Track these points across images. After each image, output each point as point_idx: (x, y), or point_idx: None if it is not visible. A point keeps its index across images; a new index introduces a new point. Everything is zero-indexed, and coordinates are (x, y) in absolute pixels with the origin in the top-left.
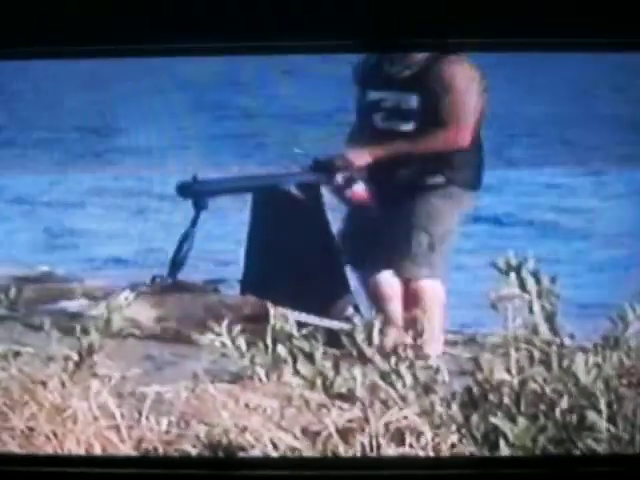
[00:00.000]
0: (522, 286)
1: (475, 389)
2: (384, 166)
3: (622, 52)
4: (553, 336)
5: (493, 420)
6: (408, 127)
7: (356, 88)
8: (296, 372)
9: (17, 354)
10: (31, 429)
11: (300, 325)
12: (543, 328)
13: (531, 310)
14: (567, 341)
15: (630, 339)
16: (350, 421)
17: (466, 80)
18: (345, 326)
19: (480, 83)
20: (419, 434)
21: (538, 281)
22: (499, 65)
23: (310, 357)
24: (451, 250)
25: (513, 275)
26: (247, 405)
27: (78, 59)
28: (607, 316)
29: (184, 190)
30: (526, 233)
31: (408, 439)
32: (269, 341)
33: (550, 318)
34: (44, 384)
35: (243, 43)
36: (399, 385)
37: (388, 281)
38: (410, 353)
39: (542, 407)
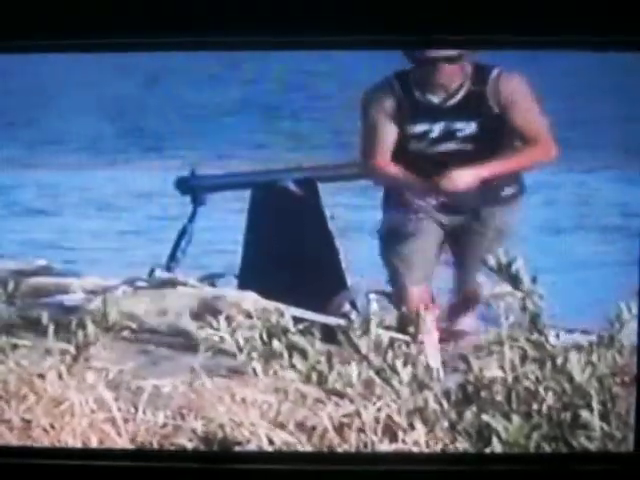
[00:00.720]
0: (514, 284)
1: (469, 386)
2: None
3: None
4: (546, 334)
5: (486, 417)
6: (470, 149)
7: (388, 122)
8: (292, 367)
9: (15, 347)
10: (28, 421)
11: (297, 320)
12: (535, 326)
13: (523, 308)
14: (558, 339)
15: (624, 338)
16: (345, 416)
17: (524, 92)
18: (341, 322)
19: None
20: (413, 430)
21: (528, 279)
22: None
23: (305, 352)
24: None
25: (504, 273)
26: (243, 400)
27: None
28: (602, 315)
29: (182, 185)
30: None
31: (401, 435)
32: (265, 336)
33: (538, 316)
34: (41, 377)
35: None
36: (394, 381)
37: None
38: (406, 349)
39: (535, 405)
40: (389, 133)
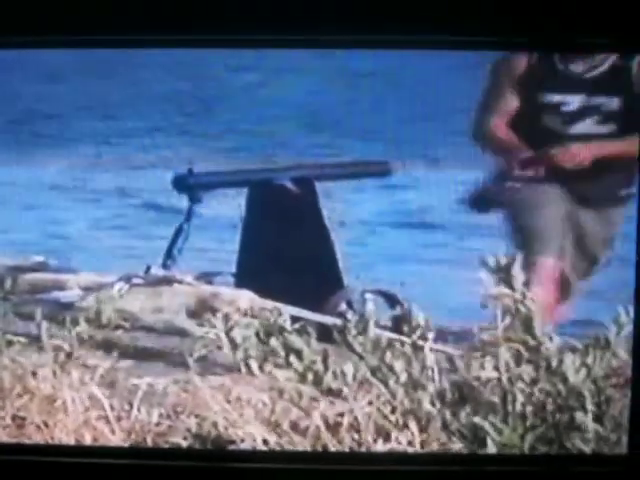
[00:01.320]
0: (511, 286)
1: (464, 387)
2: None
3: None
4: (541, 336)
5: (480, 418)
6: (608, 131)
7: (515, 87)
8: (288, 366)
9: (10, 344)
10: (22, 418)
11: (293, 319)
12: (532, 327)
13: (518, 310)
14: (553, 341)
15: (619, 341)
16: (340, 415)
17: None
18: (338, 321)
19: None
20: (407, 430)
21: (523, 281)
22: None
23: (301, 352)
24: None
25: (502, 274)
26: (238, 398)
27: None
28: (600, 318)
29: (179, 183)
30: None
31: (396, 435)
32: (262, 335)
33: (531, 320)
34: (35, 374)
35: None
36: (390, 381)
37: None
38: (407, 349)
39: (530, 406)
40: (513, 99)
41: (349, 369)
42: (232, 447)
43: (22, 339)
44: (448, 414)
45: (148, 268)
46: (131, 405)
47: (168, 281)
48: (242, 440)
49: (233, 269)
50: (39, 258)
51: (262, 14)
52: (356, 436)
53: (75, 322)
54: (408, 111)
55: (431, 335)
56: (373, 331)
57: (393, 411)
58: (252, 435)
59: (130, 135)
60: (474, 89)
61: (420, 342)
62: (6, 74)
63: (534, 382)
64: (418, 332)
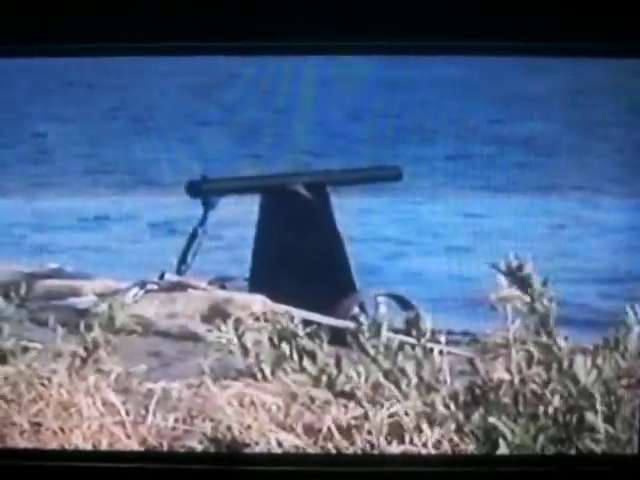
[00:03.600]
0: (522, 287)
1: (476, 388)
2: None
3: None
4: (552, 337)
5: (493, 419)
6: None
7: None
8: (301, 370)
9: (25, 350)
10: (38, 424)
11: (306, 324)
12: (545, 328)
13: (532, 311)
14: (564, 343)
15: (630, 342)
16: (353, 418)
17: None
18: (350, 325)
19: None
20: (420, 432)
21: (536, 283)
22: None
23: (315, 355)
24: None
25: (514, 276)
26: (252, 402)
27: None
28: (609, 319)
29: (193, 189)
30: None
31: (409, 437)
32: (275, 339)
33: (547, 320)
34: (51, 380)
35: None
36: (403, 384)
37: None
38: (419, 352)
39: (542, 407)
40: None
41: (362, 372)
42: (247, 450)
43: (38, 345)
44: (461, 416)
45: (162, 274)
46: (147, 410)
47: (182, 287)
48: (256, 443)
49: (246, 274)
50: (54, 265)
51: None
52: (369, 438)
53: (90, 328)
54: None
55: (443, 338)
56: (385, 334)
57: (406, 413)
58: (267, 438)
59: (143, 142)
60: None
61: (432, 345)
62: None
63: (545, 383)
64: (430, 335)
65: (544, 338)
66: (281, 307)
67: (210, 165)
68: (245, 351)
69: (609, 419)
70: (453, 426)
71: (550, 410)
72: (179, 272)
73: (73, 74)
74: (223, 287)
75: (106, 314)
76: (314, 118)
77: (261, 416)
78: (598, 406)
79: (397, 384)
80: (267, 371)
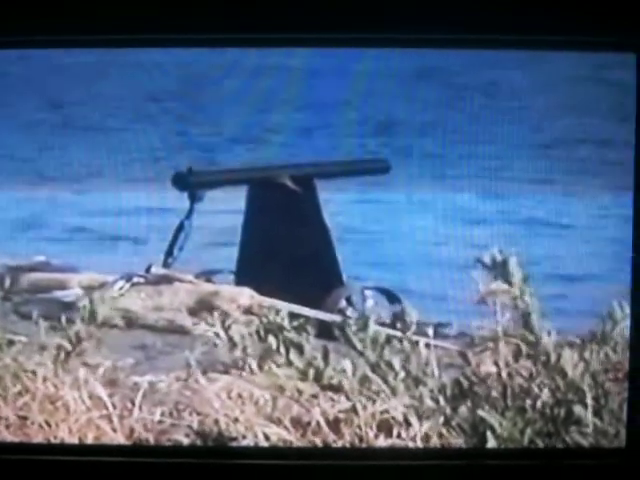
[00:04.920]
0: (508, 281)
1: (464, 382)
2: None
3: None
4: (539, 331)
5: (481, 413)
6: None
7: None
8: (288, 363)
9: (11, 343)
10: (24, 418)
11: (293, 317)
12: (530, 323)
13: (517, 305)
14: (552, 337)
15: (617, 335)
16: (341, 412)
17: None
18: (338, 318)
19: None
20: (409, 425)
21: (521, 277)
22: None
23: (301, 348)
24: None
25: (499, 271)
26: (239, 395)
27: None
28: (595, 313)
29: (179, 182)
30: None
31: (397, 430)
32: (262, 332)
33: (531, 314)
34: (36, 373)
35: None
36: (390, 377)
37: None
38: (407, 345)
39: (529, 400)
40: None
41: (349, 365)
42: (234, 444)
43: (23, 338)
44: (449, 409)
45: (149, 267)
46: (133, 403)
47: (169, 280)
48: (244, 436)
49: (233, 267)
50: (41, 257)
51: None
52: (357, 431)
53: (71, 321)
54: None
55: (430, 331)
56: (373, 328)
57: (394, 407)
58: (254, 431)
59: (125, 134)
60: None
61: (418, 338)
62: None
63: (533, 377)
64: (416, 328)
65: (528, 332)
66: (268, 300)
67: (196, 157)
68: (232, 344)
69: (597, 412)
70: (441, 419)
71: (538, 403)
72: (166, 265)
73: None
74: (210, 280)
75: (88, 308)
76: (303, 109)
77: (248, 409)
78: (586, 399)
79: (384, 378)
80: (254, 364)
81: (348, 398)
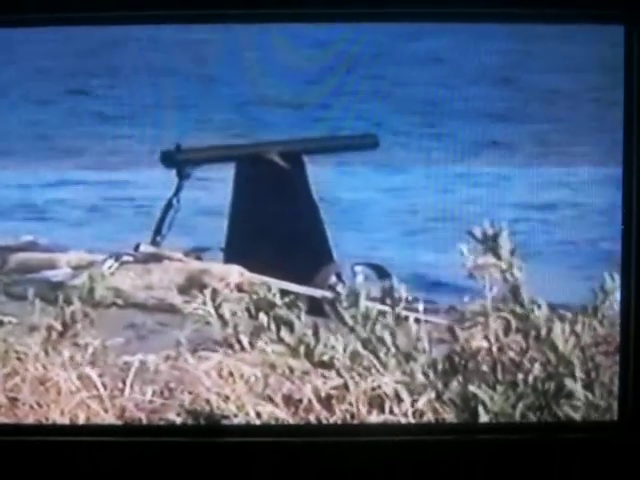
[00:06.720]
0: (498, 255)
1: (455, 357)
2: None
3: None
4: (529, 305)
5: (472, 387)
6: None
7: None
8: (279, 340)
9: (0, 324)
10: (15, 399)
11: (283, 293)
12: (520, 296)
13: (506, 279)
14: (542, 310)
15: (608, 308)
16: (332, 388)
17: None
18: (328, 294)
19: None
20: (400, 401)
21: (509, 250)
22: None
23: (291, 325)
24: None
25: (489, 244)
26: (230, 373)
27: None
28: (586, 286)
29: (167, 159)
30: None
31: (389, 406)
32: (252, 309)
33: (518, 288)
34: (27, 354)
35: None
36: (381, 353)
37: None
38: (397, 320)
39: (520, 375)
40: None
41: (340, 342)
42: (226, 422)
43: (13, 319)
44: (440, 384)
45: (137, 245)
46: (124, 383)
47: (158, 258)
48: (235, 415)
49: (222, 244)
50: (28, 237)
51: None
52: (349, 408)
53: (68, 301)
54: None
55: (420, 306)
56: (363, 304)
57: (385, 382)
58: (245, 409)
59: (116, 110)
60: None
61: (408, 313)
62: None
63: (524, 351)
64: (407, 304)
65: (518, 306)
66: (258, 277)
67: (183, 135)
68: (223, 322)
69: (588, 386)
70: (433, 395)
71: (529, 378)
72: (154, 243)
73: None
74: (199, 258)
75: (86, 286)
76: (288, 86)
77: (239, 387)
78: (577, 373)
79: (376, 353)
80: (245, 342)
81: (339, 374)
